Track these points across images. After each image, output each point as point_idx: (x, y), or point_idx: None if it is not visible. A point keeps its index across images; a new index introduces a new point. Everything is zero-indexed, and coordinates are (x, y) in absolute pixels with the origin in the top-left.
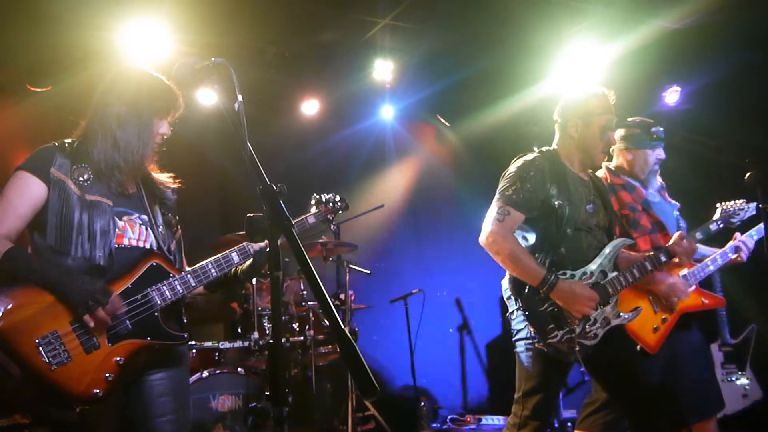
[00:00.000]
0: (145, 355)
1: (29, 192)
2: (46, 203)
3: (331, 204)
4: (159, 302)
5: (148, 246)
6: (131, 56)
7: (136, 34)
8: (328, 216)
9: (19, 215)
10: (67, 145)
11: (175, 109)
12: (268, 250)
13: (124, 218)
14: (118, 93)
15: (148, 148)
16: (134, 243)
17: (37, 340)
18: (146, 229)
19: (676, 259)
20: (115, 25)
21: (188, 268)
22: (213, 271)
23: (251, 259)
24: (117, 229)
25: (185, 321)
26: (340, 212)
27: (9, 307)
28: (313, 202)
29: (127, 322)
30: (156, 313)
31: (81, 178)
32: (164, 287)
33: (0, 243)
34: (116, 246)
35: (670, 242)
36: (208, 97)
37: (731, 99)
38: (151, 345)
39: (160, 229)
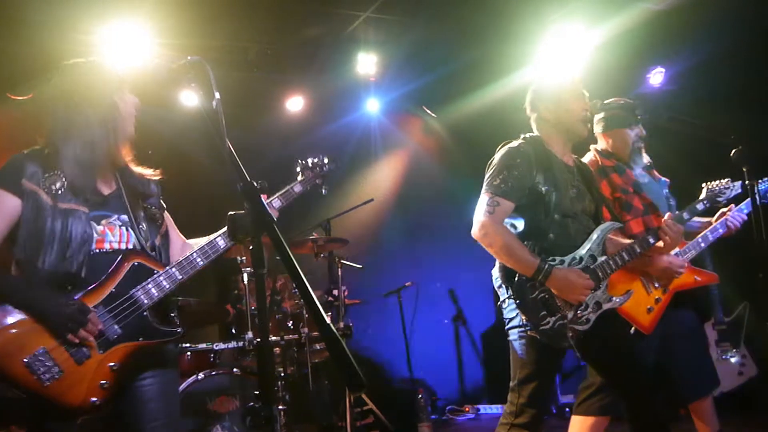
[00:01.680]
0: (138, 356)
1: (3, 208)
2: (20, 216)
3: (318, 168)
4: (146, 301)
5: (131, 246)
6: (112, 60)
7: (116, 38)
8: (317, 181)
9: None
10: (37, 152)
11: (127, 81)
12: (252, 247)
13: (103, 222)
14: (70, 91)
15: (123, 132)
16: (116, 246)
17: (25, 359)
18: (127, 229)
19: (660, 243)
20: (95, 29)
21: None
22: (199, 260)
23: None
24: (96, 234)
25: (176, 317)
26: (331, 173)
27: None
28: (298, 169)
29: (116, 326)
30: (145, 313)
31: (54, 187)
32: (149, 285)
33: None
34: (97, 251)
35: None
36: (190, 99)
37: (715, 79)
38: (145, 345)
39: (141, 227)
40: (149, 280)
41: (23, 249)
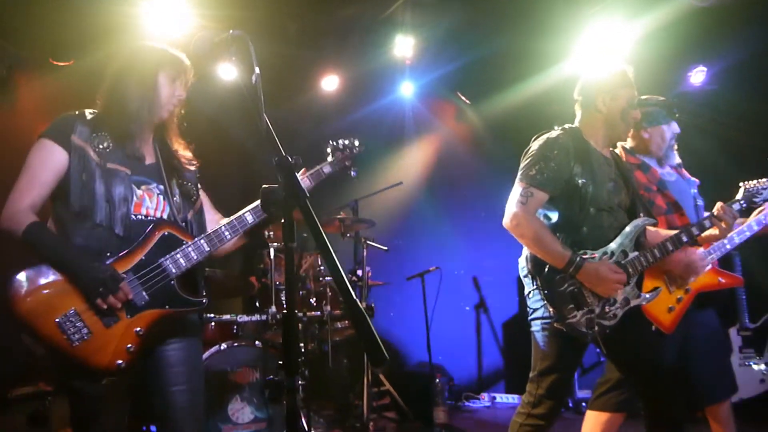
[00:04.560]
0: (163, 323)
1: (51, 159)
2: (68, 170)
3: (348, 150)
4: (174, 271)
5: (165, 216)
6: (153, 30)
7: (157, 8)
8: (346, 163)
9: (43, 184)
10: (87, 114)
11: (182, 70)
12: (283, 221)
13: (143, 187)
14: (122, 64)
15: (157, 109)
16: (151, 213)
17: (57, 319)
18: (163, 198)
19: (710, 231)
20: None
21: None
22: (227, 233)
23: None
24: (135, 198)
25: (203, 287)
26: (360, 156)
27: (30, 288)
28: (329, 149)
29: (144, 293)
30: (172, 282)
31: (101, 146)
32: (178, 255)
33: (23, 215)
34: (134, 215)
35: (714, 210)
36: (228, 73)
37: (757, 79)
38: (170, 313)
39: (175, 199)
40: (178, 250)
41: (78, 204)
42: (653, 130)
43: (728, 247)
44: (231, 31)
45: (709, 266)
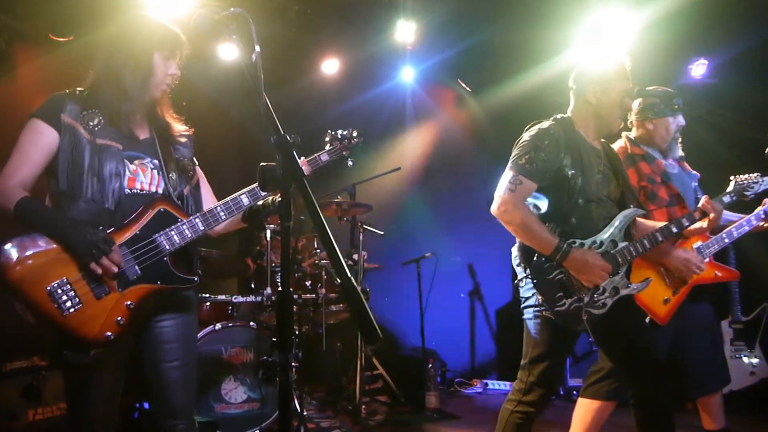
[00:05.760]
0: (155, 299)
1: (42, 139)
2: (58, 149)
3: (346, 141)
4: (167, 247)
5: (160, 191)
6: (153, 6)
7: None
8: (344, 153)
9: (33, 162)
10: (78, 92)
11: (178, 47)
12: (280, 199)
13: (136, 162)
14: (116, 39)
15: (151, 89)
16: (146, 187)
17: (48, 288)
18: (158, 173)
19: (697, 225)
20: None
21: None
22: (222, 215)
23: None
24: (128, 173)
25: (196, 265)
26: (358, 147)
27: (22, 255)
28: (327, 139)
29: (136, 267)
30: (165, 258)
31: (91, 123)
32: (172, 232)
33: (14, 192)
34: (128, 190)
35: (701, 203)
36: (229, 53)
37: (758, 72)
38: (161, 289)
39: (171, 175)
40: (172, 227)
41: (66, 182)
42: (658, 121)
43: (726, 241)
44: (232, 9)
45: (707, 260)
